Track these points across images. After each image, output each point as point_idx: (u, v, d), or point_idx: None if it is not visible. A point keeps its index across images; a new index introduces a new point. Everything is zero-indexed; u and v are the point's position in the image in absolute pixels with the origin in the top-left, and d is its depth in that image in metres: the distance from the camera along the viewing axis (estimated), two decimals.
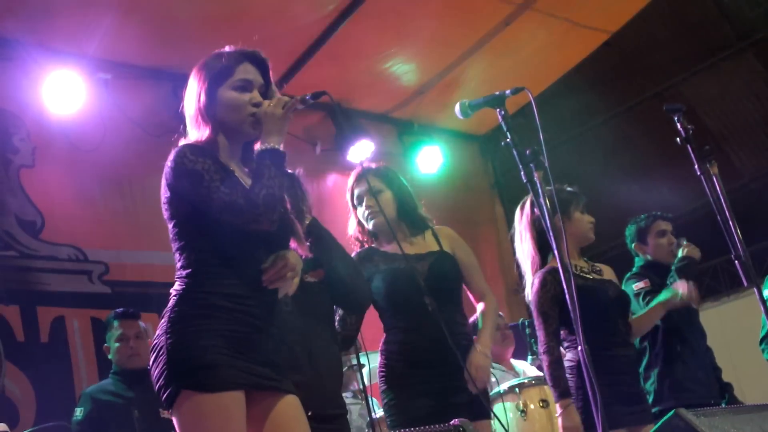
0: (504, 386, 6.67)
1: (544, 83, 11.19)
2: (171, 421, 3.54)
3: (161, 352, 3.53)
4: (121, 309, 6.99)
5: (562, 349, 5.73)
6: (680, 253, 6.72)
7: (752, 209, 12.28)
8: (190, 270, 3.64)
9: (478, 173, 12.17)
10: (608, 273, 6.00)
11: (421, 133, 11.03)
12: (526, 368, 7.89)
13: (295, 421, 3.71)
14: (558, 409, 5.41)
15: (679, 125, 4.89)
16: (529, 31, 10.11)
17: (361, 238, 5.54)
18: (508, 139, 4.02)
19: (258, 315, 3.66)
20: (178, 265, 3.70)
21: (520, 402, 6.65)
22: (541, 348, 5.61)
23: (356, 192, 5.51)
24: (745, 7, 11.95)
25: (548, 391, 6.78)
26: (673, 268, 6.67)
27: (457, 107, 4.30)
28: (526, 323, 8.09)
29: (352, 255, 5.31)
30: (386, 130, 10.96)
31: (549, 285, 5.61)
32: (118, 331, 6.79)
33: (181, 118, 8.66)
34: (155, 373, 3.56)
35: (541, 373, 7.28)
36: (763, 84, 12.51)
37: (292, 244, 3.97)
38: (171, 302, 3.63)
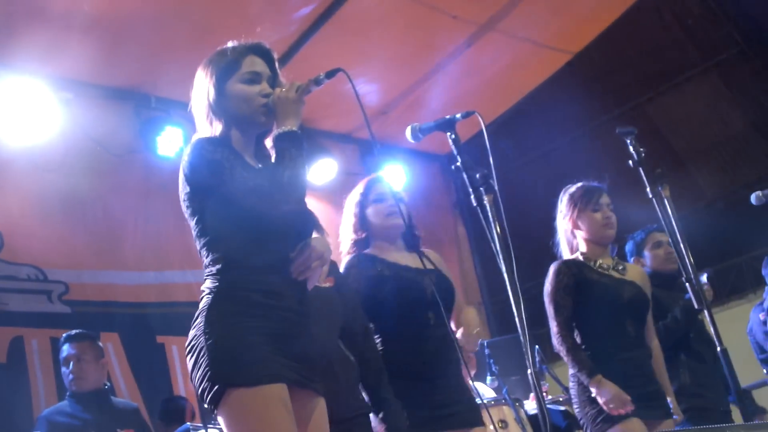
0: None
1: (507, 103, 11.27)
2: None
3: (201, 353, 3.53)
4: (67, 333, 6.89)
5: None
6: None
7: (717, 228, 12.37)
8: (219, 266, 3.64)
9: (440, 192, 12.17)
10: (633, 273, 5.94)
11: (384, 153, 11.07)
12: (485, 389, 7.89)
13: (322, 429, 3.77)
14: (593, 388, 5.41)
15: (631, 148, 4.91)
16: (492, 52, 10.15)
17: (358, 236, 5.42)
18: (458, 163, 4.01)
19: (291, 308, 3.67)
20: (207, 260, 3.70)
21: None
22: (555, 339, 5.62)
23: (378, 189, 5.45)
24: (709, 27, 12.05)
25: (507, 412, 6.82)
26: (681, 303, 6.69)
27: (408, 131, 4.30)
28: (485, 343, 8.08)
29: (349, 257, 5.32)
30: (350, 150, 11.00)
31: (562, 275, 5.66)
32: (63, 354, 6.72)
33: (143, 138, 8.71)
34: (196, 375, 3.55)
35: (496, 395, 7.32)
36: (727, 104, 12.62)
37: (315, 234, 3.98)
38: (204, 301, 3.63)
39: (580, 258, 5.80)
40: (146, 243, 8.78)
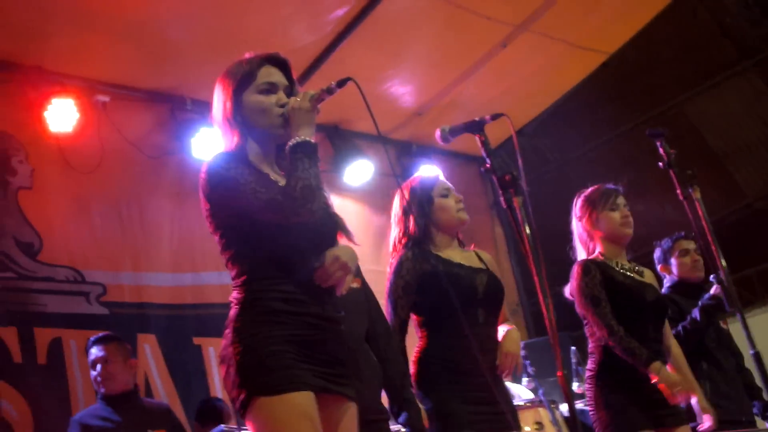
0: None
1: (543, 105, 11.26)
2: None
3: (231, 363, 3.59)
4: (94, 335, 6.92)
5: (591, 345, 5.73)
6: (712, 291, 6.69)
7: (756, 228, 12.29)
8: (245, 277, 3.70)
9: (477, 193, 12.12)
10: (649, 276, 5.94)
11: (420, 154, 11.10)
12: (521, 391, 7.87)
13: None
14: (652, 376, 5.36)
15: (661, 150, 4.89)
16: (527, 52, 10.14)
17: (416, 231, 5.32)
18: (487, 165, 4.00)
19: (315, 314, 3.71)
20: (233, 273, 3.76)
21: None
22: (601, 333, 5.54)
23: (443, 184, 5.44)
24: (747, 26, 11.96)
25: (543, 413, 6.78)
26: (699, 303, 6.68)
27: (438, 133, 4.31)
28: (522, 345, 8.07)
29: (402, 252, 5.27)
30: (385, 152, 10.99)
31: (594, 271, 5.61)
32: (91, 357, 6.75)
33: (178, 140, 8.76)
34: (227, 384, 3.62)
35: (533, 396, 7.29)
36: (766, 103, 12.51)
37: (340, 238, 4.00)
38: (232, 312, 3.69)
39: (600, 258, 5.77)
40: (182, 244, 8.84)
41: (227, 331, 3.66)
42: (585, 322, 5.70)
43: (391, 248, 5.41)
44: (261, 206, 3.61)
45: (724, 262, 4.88)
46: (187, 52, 8.48)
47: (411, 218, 5.34)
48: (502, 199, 3.94)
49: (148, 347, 8.47)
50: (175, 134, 8.99)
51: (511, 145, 4.44)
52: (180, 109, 9.05)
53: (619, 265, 5.78)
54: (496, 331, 5.25)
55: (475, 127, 4.15)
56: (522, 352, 7.93)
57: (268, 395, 3.50)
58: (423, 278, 5.15)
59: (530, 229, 3.87)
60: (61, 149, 8.32)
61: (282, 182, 3.72)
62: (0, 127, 8.18)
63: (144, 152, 8.84)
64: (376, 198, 10.23)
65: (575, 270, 5.70)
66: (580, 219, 5.89)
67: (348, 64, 9.06)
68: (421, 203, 5.35)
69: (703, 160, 12.30)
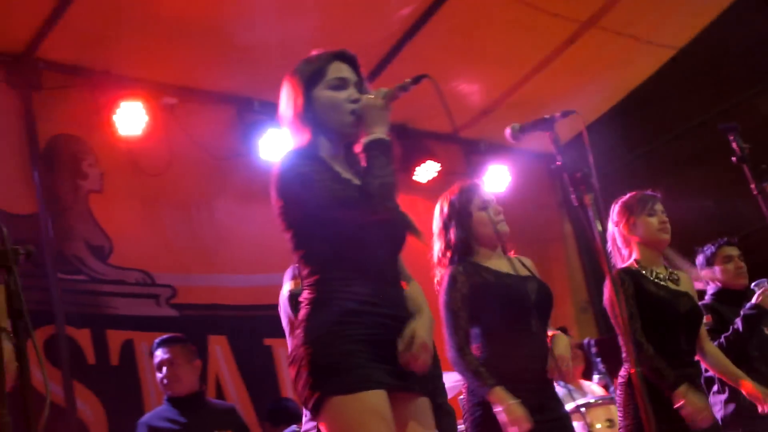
0: (570, 406, 6.63)
1: (612, 100, 11.19)
2: None
3: (302, 364, 3.56)
4: (159, 337, 6.91)
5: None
6: (754, 299, 6.60)
7: None
8: (317, 277, 3.67)
9: (546, 191, 12.09)
10: (686, 283, 5.80)
11: (489, 152, 11.06)
12: (593, 388, 7.85)
13: (424, 426, 3.76)
14: (677, 400, 5.18)
15: (734, 144, 4.82)
16: (595, 49, 10.08)
17: (460, 245, 5.25)
18: (558, 162, 3.97)
19: (387, 314, 3.68)
20: (304, 272, 3.72)
21: (587, 422, 6.62)
22: (631, 346, 5.47)
23: (482, 196, 5.34)
24: None
25: (614, 411, 6.74)
26: (741, 313, 6.58)
27: (508, 131, 4.28)
28: (592, 342, 8.04)
29: (452, 266, 5.19)
30: (453, 150, 10.98)
31: (626, 283, 5.47)
32: (156, 359, 6.74)
33: (245, 142, 8.80)
34: (298, 385, 3.59)
35: (605, 393, 7.24)
36: None
37: (410, 237, 3.96)
38: (303, 312, 3.66)
39: (635, 266, 5.68)
40: (251, 246, 8.81)
41: (298, 331, 3.63)
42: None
43: (436, 261, 5.34)
44: (338, 204, 3.58)
45: None
46: (253, 53, 8.50)
47: (452, 232, 5.29)
48: (573, 196, 3.91)
49: (219, 349, 8.52)
50: (242, 136, 9.02)
51: (578, 144, 4.39)
52: (247, 110, 9.10)
53: (654, 274, 5.69)
54: (547, 338, 5.21)
55: (546, 125, 4.13)
56: (593, 350, 7.95)
57: (341, 395, 3.47)
58: (476, 290, 5.10)
59: (601, 226, 3.84)
60: (130, 152, 8.40)
61: (353, 180, 3.68)
62: (70, 132, 8.29)
63: (212, 154, 8.90)
64: None
65: (608, 281, 5.61)
66: (617, 224, 5.79)
67: (415, 62, 9.04)
68: (460, 217, 5.28)
69: None
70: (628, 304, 5.45)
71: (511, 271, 5.17)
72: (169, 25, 8.04)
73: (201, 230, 8.83)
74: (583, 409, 6.81)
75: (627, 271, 5.59)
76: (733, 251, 6.99)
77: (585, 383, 7.91)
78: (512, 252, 5.40)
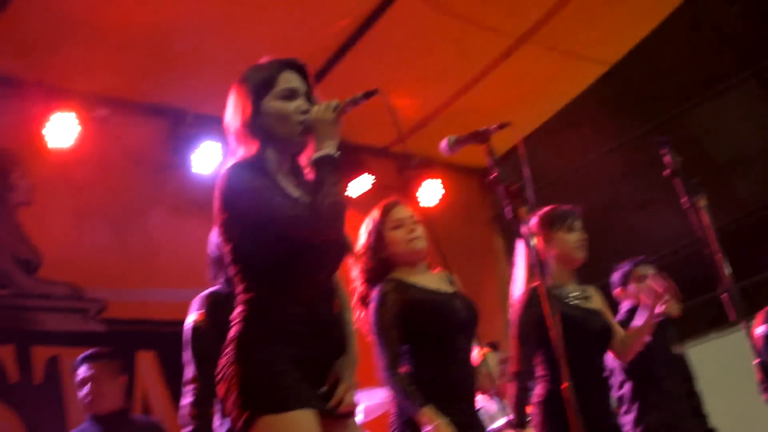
0: (501, 423, 6.60)
1: (546, 115, 11.21)
2: None
3: (232, 382, 3.51)
4: (83, 354, 6.72)
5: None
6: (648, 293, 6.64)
7: (757, 239, 12.24)
8: (252, 294, 3.61)
9: (479, 206, 12.11)
10: (596, 299, 5.83)
11: (422, 167, 11.04)
12: None
13: None
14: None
15: (667, 158, 4.84)
16: (529, 63, 10.10)
17: (379, 264, 5.24)
18: (494, 175, 3.96)
19: (321, 334, 3.65)
20: (239, 288, 3.66)
21: None
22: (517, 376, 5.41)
23: (395, 215, 5.32)
24: (747, 35, 11.93)
25: None
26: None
27: (444, 143, 4.28)
28: None
29: (386, 285, 5.12)
30: (385, 164, 10.95)
31: (533, 306, 5.31)
32: (78, 377, 6.59)
33: (178, 155, 8.73)
34: (228, 403, 3.53)
35: None
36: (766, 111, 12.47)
37: (347, 258, 3.99)
38: (235, 329, 3.60)
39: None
40: (183, 259, 8.70)
41: (229, 348, 3.58)
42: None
43: (358, 277, 5.30)
44: (286, 223, 3.52)
45: (728, 271, 4.82)
46: (187, 65, 8.45)
47: (369, 252, 5.29)
48: (507, 209, 3.90)
49: (147, 364, 8.41)
50: (175, 148, 8.95)
51: (511, 158, 4.41)
52: (181, 123, 9.00)
53: (566, 294, 5.68)
54: (475, 355, 5.23)
55: (482, 137, 4.14)
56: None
57: (271, 414, 3.42)
58: (405, 308, 5.05)
59: (535, 240, 3.84)
60: (61, 164, 8.27)
61: (302, 197, 3.63)
62: None
63: (144, 167, 8.82)
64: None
65: (519, 299, 5.58)
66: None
67: (350, 76, 9.04)
68: (376, 238, 5.29)
69: (703, 170, 12.25)
70: (528, 328, 5.43)
71: (439, 287, 5.17)
72: (103, 37, 7.94)
73: (133, 243, 8.71)
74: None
75: (535, 290, 5.48)
76: (649, 270, 7.02)
77: None
78: (437, 268, 5.37)
